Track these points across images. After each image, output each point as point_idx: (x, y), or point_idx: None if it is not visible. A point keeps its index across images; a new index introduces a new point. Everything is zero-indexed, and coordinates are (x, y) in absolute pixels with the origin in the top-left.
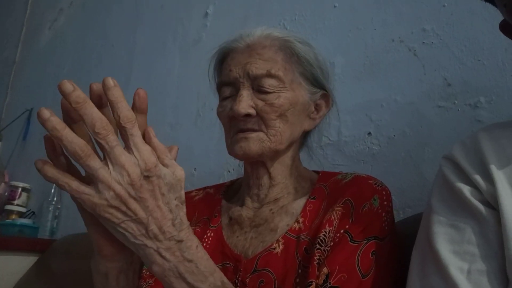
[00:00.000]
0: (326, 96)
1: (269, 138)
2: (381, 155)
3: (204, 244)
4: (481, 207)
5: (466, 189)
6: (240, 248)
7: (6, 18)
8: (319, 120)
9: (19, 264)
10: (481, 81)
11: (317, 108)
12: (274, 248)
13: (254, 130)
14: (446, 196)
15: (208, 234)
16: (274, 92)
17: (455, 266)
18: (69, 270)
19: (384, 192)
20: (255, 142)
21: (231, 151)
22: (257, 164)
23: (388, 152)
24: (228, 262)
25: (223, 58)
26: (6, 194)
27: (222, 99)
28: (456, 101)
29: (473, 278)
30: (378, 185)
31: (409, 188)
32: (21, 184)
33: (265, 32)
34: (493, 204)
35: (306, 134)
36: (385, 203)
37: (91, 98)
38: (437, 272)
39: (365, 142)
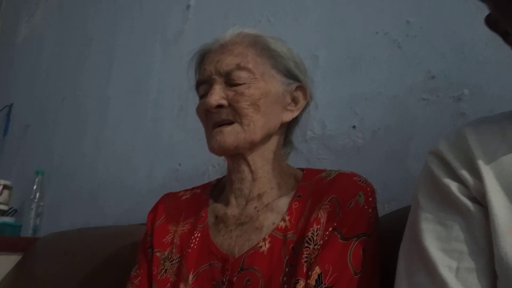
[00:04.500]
0: (303, 88)
1: (243, 128)
2: (366, 149)
3: (192, 245)
4: (468, 203)
5: (453, 185)
6: (226, 246)
7: None
8: (297, 112)
9: (2, 263)
10: (463, 74)
11: (295, 100)
12: (261, 247)
13: (229, 123)
14: (433, 192)
15: (195, 235)
16: (244, 83)
17: (444, 264)
18: (53, 268)
19: (368, 189)
20: (230, 134)
21: (210, 147)
22: (237, 157)
23: (373, 145)
24: (215, 261)
25: (201, 60)
26: None
27: (200, 97)
28: (439, 94)
29: (461, 276)
30: (362, 182)
31: (394, 181)
32: (2, 182)
33: (236, 30)
34: (481, 200)
35: (287, 130)
36: (370, 199)
37: None
38: (426, 271)
39: (349, 136)
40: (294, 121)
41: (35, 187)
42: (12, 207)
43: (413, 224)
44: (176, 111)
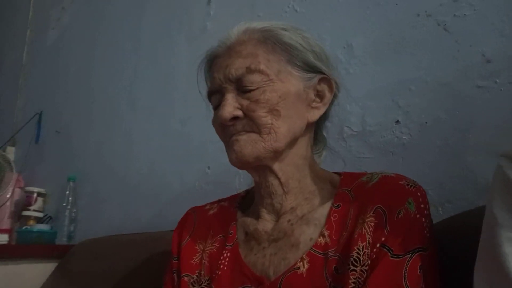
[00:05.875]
0: (327, 80)
1: (262, 137)
2: (413, 145)
3: (221, 266)
4: None
5: None
6: (260, 267)
7: (11, 20)
8: (324, 109)
9: (39, 271)
10: None
11: (320, 95)
12: (299, 268)
13: (245, 131)
14: None
15: (225, 255)
16: (258, 88)
17: None
18: (88, 274)
19: (419, 193)
20: (247, 144)
21: (230, 161)
22: (263, 170)
23: (421, 141)
24: (249, 285)
25: (210, 67)
26: (22, 199)
27: (214, 108)
28: (498, 80)
29: None
30: (411, 186)
31: (448, 180)
32: (36, 189)
33: (242, 27)
34: None
35: (316, 127)
36: (422, 205)
37: None
38: None
39: (393, 131)
40: (323, 116)
41: (67, 193)
42: (47, 214)
43: (492, 246)
44: (204, 110)
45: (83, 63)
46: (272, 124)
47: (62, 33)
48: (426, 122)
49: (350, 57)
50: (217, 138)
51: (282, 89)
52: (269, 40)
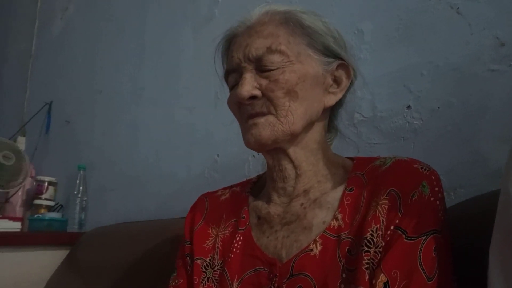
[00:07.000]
0: (345, 66)
1: (279, 120)
2: (424, 130)
3: (234, 250)
4: None
5: None
6: (272, 249)
7: (19, 11)
8: (341, 94)
9: (51, 258)
10: None
11: (337, 81)
12: (311, 250)
13: (263, 114)
14: None
15: (237, 239)
16: (278, 68)
17: None
18: (97, 262)
19: (433, 177)
20: (265, 127)
21: (245, 143)
22: (277, 153)
23: (432, 126)
24: (261, 267)
25: (228, 47)
26: (33, 188)
27: (230, 88)
28: None
29: None
30: (425, 169)
31: (460, 166)
32: (47, 178)
33: (264, 9)
34: None
35: (331, 114)
36: (436, 189)
37: None
38: None
39: (404, 117)
40: (338, 103)
41: (78, 181)
42: (58, 203)
43: (508, 225)
44: (211, 98)
45: (89, 53)
46: (289, 106)
47: (69, 23)
48: (438, 107)
49: (361, 42)
50: (224, 126)
51: (301, 71)
52: (290, 21)
